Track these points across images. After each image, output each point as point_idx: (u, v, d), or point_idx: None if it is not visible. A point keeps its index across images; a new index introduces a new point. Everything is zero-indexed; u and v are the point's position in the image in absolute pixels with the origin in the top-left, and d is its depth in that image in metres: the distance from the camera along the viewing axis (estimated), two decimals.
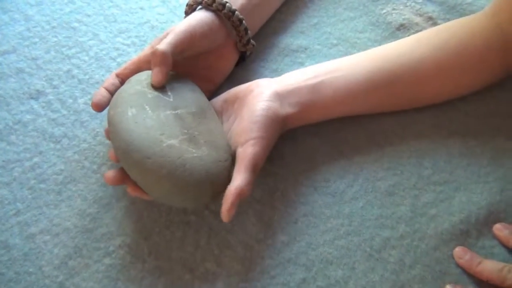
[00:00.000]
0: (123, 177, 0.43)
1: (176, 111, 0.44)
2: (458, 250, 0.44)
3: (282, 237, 0.45)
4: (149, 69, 0.46)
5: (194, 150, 0.42)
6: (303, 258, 0.44)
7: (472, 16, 0.51)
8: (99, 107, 0.46)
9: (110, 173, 0.43)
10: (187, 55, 0.48)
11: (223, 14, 0.49)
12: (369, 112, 0.50)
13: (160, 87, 0.45)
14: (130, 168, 0.41)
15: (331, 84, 0.48)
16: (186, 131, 0.43)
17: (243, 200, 0.41)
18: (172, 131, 0.43)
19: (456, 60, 0.48)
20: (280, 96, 0.46)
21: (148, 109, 0.43)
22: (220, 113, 0.49)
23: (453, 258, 0.44)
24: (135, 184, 0.42)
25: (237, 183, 0.41)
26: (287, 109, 0.46)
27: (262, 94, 0.46)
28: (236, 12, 0.50)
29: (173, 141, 0.42)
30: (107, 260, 0.44)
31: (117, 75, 0.48)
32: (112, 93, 0.47)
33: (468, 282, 0.42)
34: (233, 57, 0.53)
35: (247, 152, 0.43)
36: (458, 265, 0.43)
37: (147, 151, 0.40)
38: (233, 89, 0.49)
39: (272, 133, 0.45)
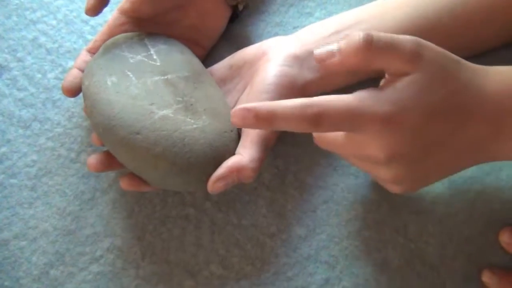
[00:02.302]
0: (110, 161, 0.36)
1: (166, 76, 0.37)
2: (487, 272, 0.36)
3: (299, 230, 0.38)
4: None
5: (193, 121, 0.35)
6: (324, 254, 0.37)
7: None
8: (72, 91, 0.38)
9: (93, 158, 0.36)
10: (160, 6, 0.40)
11: None
12: None
13: (91, 15, 0.38)
14: (115, 148, 0.34)
15: None
16: (180, 98, 0.36)
17: (242, 181, 0.34)
18: (163, 100, 0.35)
19: None
20: (299, 59, 0.38)
21: (131, 75, 0.36)
22: (223, 81, 0.41)
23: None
24: (130, 172, 0.36)
25: (239, 157, 0.34)
26: (307, 75, 0.38)
27: (276, 58, 0.38)
28: None
29: (167, 111, 0.35)
30: (94, 267, 0.38)
31: (89, 51, 0.40)
32: None
33: None
34: (222, 13, 0.43)
35: None
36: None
37: (135, 126, 0.33)
38: (238, 52, 0.41)
39: None
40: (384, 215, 0.38)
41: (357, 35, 0.30)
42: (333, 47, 0.31)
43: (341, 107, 0.30)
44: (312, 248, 0.38)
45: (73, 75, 0.39)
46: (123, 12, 0.41)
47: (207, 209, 0.39)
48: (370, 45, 0.30)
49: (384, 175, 0.32)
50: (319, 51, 0.32)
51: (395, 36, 0.30)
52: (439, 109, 0.30)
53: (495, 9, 0.39)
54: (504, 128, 0.31)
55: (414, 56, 0.30)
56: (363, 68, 0.33)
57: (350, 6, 0.46)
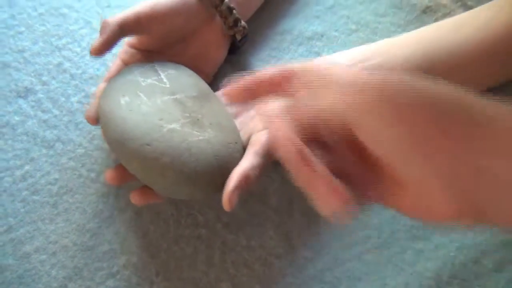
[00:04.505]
0: (124, 174, 0.38)
1: (175, 96, 0.40)
2: None
3: (304, 252, 0.41)
4: None
5: (199, 133, 0.38)
6: (328, 275, 0.40)
7: None
8: (95, 120, 0.41)
9: (111, 172, 0.38)
10: (158, 33, 0.43)
11: None
12: None
13: (96, 55, 0.40)
14: (128, 160, 0.36)
15: None
16: (188, 114, 0.39)
17: (249, 187, 0.36)
18: (172, 116, 0.38)
19: (504, 39, 0.42)
20: None
21: (142, 96, 0.39)
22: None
23: (494, 271, 0.39)
24: (139, 187, 0.38)
25: (242, 167, 0.36)
26: None
27: None
28: None
29: (175, 125, 0.37)
30: (111, 282, 0.40)
31: (106, 82, 0.43)
32: None
33: None
34: (222, 43, 0.47)
35: (261, 138, 0.38)
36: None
37: (145, 138, 0.36)
38: None
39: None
40: (384, 241, 0.41)
41: None
42: None
43: None
44: (316, 269, 0.40)
45: (94, 105, 0.41)
46: (132, 46, 0.45)
47: (218, 230, 0.42)
48: None
49: None
50: None
51: None
52: None
53: (495, 47, 0.43)
54: None
55: None
56: None
57: (355, 46, 0.50)
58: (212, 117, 0.39)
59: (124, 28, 0.40)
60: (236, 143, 0.39)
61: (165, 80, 0.41)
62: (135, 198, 0.38)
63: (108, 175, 0.38)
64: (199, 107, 0.40)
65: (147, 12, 0.41)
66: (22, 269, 0.41)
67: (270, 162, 0.38)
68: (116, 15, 0.40)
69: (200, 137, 0.37)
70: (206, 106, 0.40)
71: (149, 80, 0.40)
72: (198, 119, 0.39)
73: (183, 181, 0.36)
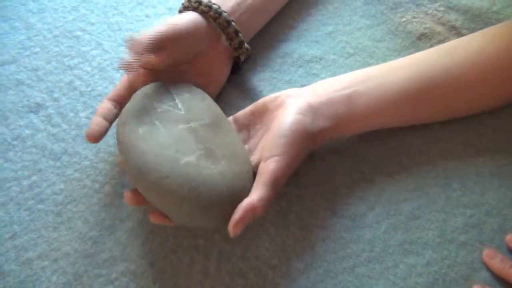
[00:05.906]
0: (140, 198, 0.40)
1: (189, 125, 0.42)
2: (488, 251, 0.41)
3: (298, 264, 0.42)
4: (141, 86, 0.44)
5: (213, 166, 0.39)
6: (320, 287, 0.41)
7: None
8: (96, 138, 0.43)
9: (129, 195, 0.41)
10: (172, 54, 0.45)
11: (209, 16, 0.47)
12: (403, 123, 0.47)
13: (131, 72, 0.42)
14: (146, 190, 0.38)
15: (365, 94, 0.44)
16: (202, 145, 0.41)
17: (256, 217, 0.38)
18: (187, 147, 0.40)
19: (497, 64, 0.44)
20: (314, 109, 0.43)
21: (158, 124, 0.41)
22: (246, 127, 0.46)
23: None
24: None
25: (250, 198, 0.38)
26: (320, 123, 0.43)
27: (293, 107, 0.43)
28: (224, 14, 0.47)
29: (190, 158, 0.39)
30: None
31: (110, 99, 0.45)
32: (108, 120, 0.44)
33: None
34: (226, 63, 0.50)
35: (268, 167, 0.40)
36: (487, 267, 0.41)
37: (164, 171, 0.38)
38: (260, 101, 0.46)
39: (299, 150, 0.42)
40: (376, 255, 0.42)
41: None
42: None
43: None
44: (309, 281, 0.41)
45: (96, 123, 0.43)
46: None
47: (216, 241, 0.43)
48: None
49: None
50: None
51: None
52: None
53: (487, 71, 0.45)
54: None
55: None
56: None
57: (352, 69, 0.52)
58: (225, 148, 0.41)
59: (150, 47, 0.42)
60: (247, 172, 0.41)
61: (179, 106, 0.43)
62: (153, 218, 0.40)
63: (127, 196, 0.41)
64: (213, 136, 0.42)
65: (169, 32, 0.44)
66: (24, 275, 0.42)
67: (278, 192, 0.40)
68: (143, 34, 0.42)
69: (215, 170, 0.39)
70: (219, 134, 0.42)
71: (164, 106, 0.42)
72: (211, 150, 0.41)
73: (198, 212, 0.38)
